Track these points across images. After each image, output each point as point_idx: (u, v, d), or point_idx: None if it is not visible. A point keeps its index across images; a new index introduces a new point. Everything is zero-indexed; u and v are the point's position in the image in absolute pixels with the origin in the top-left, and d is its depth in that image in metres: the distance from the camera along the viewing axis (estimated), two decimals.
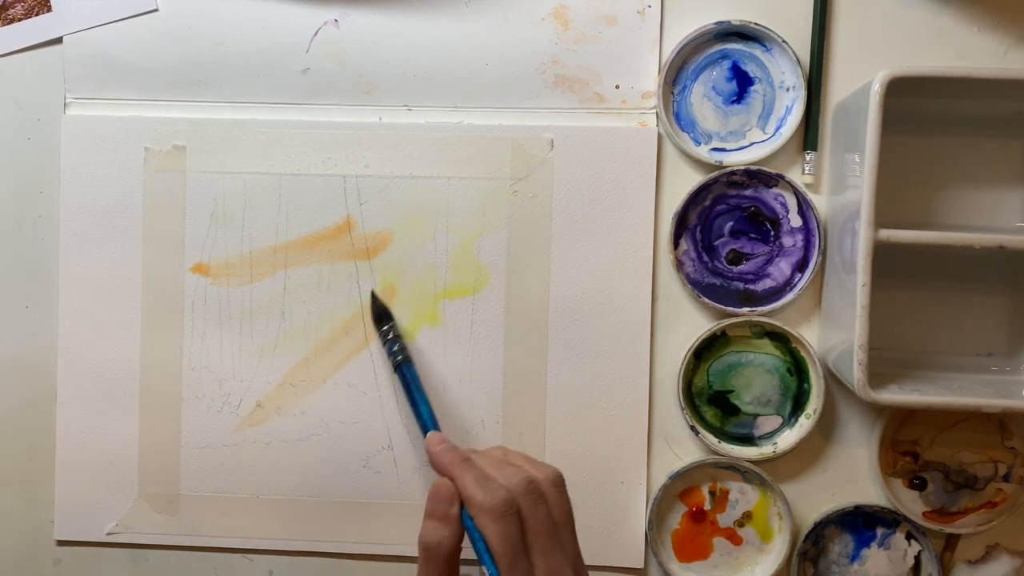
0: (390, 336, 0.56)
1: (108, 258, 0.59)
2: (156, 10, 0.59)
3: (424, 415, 0.54)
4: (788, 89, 0.56)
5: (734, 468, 0.57)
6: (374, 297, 0.57)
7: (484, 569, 0.45)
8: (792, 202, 0.57)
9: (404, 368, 0.55)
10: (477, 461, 0.48)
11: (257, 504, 0.59)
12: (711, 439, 0.57)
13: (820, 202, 0.57)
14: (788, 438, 0.57)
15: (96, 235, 0.59)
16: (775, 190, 0.57)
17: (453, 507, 0.47)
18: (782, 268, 0.57)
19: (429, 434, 0.52)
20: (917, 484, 0.57)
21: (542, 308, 0.57)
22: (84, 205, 0.59)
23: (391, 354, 0.56)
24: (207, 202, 0.58)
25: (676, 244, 0.57)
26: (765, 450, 0.57)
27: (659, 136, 0.57)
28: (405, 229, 0.58)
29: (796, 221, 0.57)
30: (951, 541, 0.58)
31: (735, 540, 0.58)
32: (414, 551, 0.59)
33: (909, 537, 0.57)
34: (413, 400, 0.55)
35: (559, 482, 0.48)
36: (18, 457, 0.61)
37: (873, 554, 0.58)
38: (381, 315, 0.57)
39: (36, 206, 0.60)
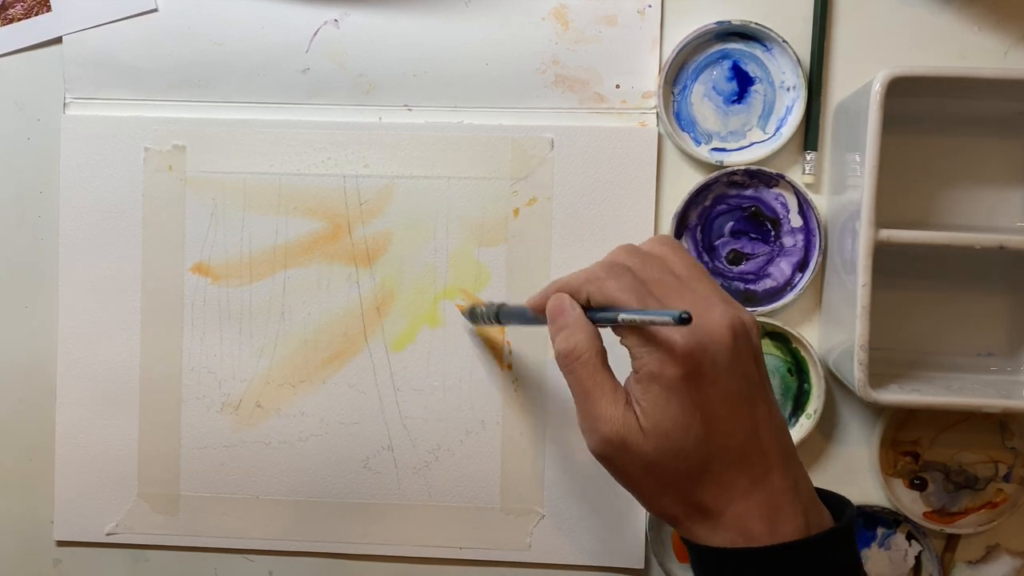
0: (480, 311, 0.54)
1: (108, 258, 0.59)
2: (156, 10, 0.59)
3: (525, 311, 0.49)
4: (788, 89, 0.56)
5: None
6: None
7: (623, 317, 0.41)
8: (792, 202, 0.57)
9: (501, 314, 0.52)
10: None
11: (257, 504, 0.59)
12: None
13: (820, 202, 0.57)
14: None
15: (96, 235, 0.59)
16: (775, 190, 0.57)
17: (574, 309, 0.43)
18: (782, 268, 0.57)
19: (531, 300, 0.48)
20: (917, 484, 0.57)
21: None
22: (84, 205, 0.59)
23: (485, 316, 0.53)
24: (207, 202, 0.58)
25: None
26: None
27: (659, 136, 0.57)
28: (405, 229, 0.58)
29: (796, 221, 0.57)
30: (951, 541, 0.58)
31: None
32: (414, 551, 0.59)
33: (909, 537, 0.57)
34: (519, 318, 0.51)
35: (668, 240, 0.44)
36: (18, 457, 0.61)
37: (873, 554, 0.58)
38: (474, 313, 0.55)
39: (36, 206, 0.60)
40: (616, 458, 0.42)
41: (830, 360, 0.56)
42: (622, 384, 0.42)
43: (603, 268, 0.43)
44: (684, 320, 0.37)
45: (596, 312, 0.43)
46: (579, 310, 0.43)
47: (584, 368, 0.42)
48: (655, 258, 0.43)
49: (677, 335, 0.40)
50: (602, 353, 0.42)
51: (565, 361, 0.43)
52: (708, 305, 0.41)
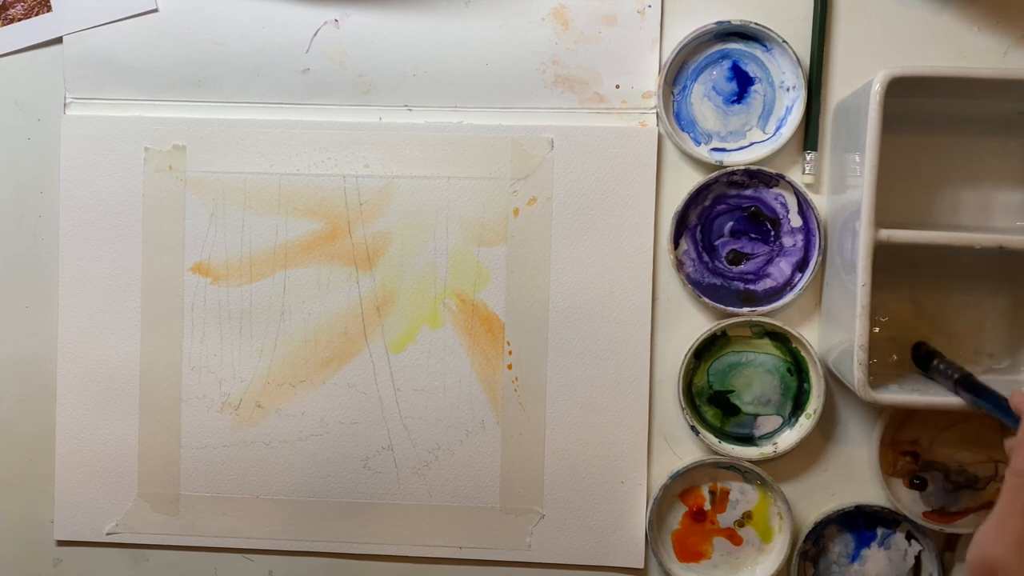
0: (942, 367, 0.53)
1: (108, 258, 0.59)
2: (156, 10, 0.59)
3: (998, 398, 0.49)
4: (788, 89, 0.56)
5: (734, 468, 0.57)
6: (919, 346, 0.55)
7: None
8: (792, 202, 0.57)
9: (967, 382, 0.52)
10: None
11: (257, 504, 0.59)
12: (711, 439, 0.57)
13: (820, 202, 0.57)
14: (788, 438, 0.57)
15: (96, 235, 0.59)
16: (775, 190, 0.57)
17: None
18: (782, 268, 0.57)
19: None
20: (917, 484, 0.57)
21: (542, 308, 0.57)
22: (84, 205, 0.59)
23: (949, 377, 0.52)
24: (207, 202, 0.58)
25: (676, 244, 0.57)
26: (765, 450, 0.57)
27: (659, 136, 0.57)
28: (405, 229, 0.58)
29: (796, 221, 0.57)
30: (951, 541, 0.58)
31: (735, 540, 0.58)
32: (414, 551, 0.59)
33: (909, 537, 0.57)
34: (987, 400, 0.50)
35: None
36: (18, 457, 0.61)
37: (873, 554, 0.58)
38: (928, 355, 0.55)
39: (36, 206, 0.60)
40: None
41: (830, 360, 0.56)
42: None
43: None
44: None
45: None
46: None
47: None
48: None
49: None
50: None
51: (1014, 476, 0.43)
52: None
